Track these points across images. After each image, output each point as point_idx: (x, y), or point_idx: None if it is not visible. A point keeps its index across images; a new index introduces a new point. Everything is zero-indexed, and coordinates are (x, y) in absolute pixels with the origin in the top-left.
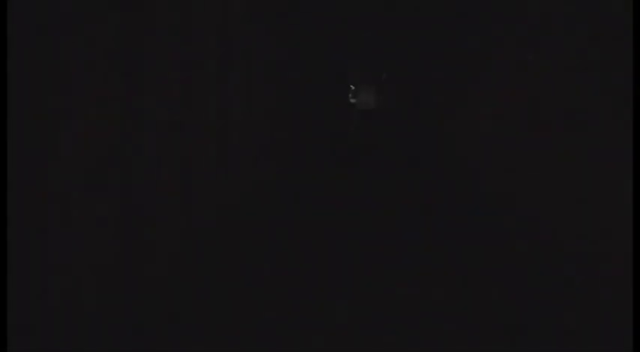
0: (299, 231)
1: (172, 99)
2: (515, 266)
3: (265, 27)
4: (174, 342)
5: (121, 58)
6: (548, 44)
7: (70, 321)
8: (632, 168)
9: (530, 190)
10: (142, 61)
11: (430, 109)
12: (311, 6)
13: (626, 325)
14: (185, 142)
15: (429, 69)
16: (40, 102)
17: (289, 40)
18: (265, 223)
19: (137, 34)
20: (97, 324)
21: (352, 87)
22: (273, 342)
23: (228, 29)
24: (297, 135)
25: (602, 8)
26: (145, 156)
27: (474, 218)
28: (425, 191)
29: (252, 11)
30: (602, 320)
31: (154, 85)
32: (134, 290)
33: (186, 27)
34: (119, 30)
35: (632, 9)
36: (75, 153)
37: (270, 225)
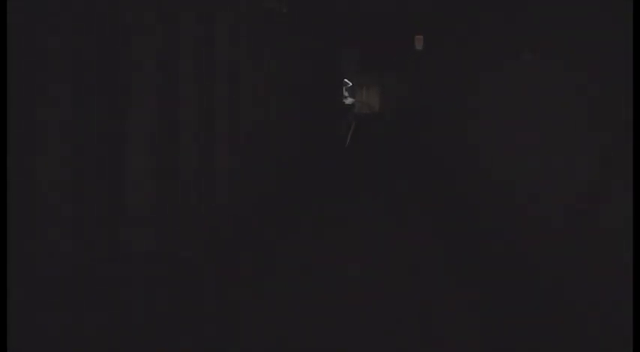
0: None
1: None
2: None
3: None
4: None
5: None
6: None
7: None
8: (632, 168)
9: (528, 186)
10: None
11: (429, 109)
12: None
13: (626, 325)
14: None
15: (429, 68)
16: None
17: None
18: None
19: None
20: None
21: (348, 82)
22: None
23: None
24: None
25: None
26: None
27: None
28: (424, 191)
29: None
30: (601, 320)
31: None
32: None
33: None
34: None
35: (633, 10)
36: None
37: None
